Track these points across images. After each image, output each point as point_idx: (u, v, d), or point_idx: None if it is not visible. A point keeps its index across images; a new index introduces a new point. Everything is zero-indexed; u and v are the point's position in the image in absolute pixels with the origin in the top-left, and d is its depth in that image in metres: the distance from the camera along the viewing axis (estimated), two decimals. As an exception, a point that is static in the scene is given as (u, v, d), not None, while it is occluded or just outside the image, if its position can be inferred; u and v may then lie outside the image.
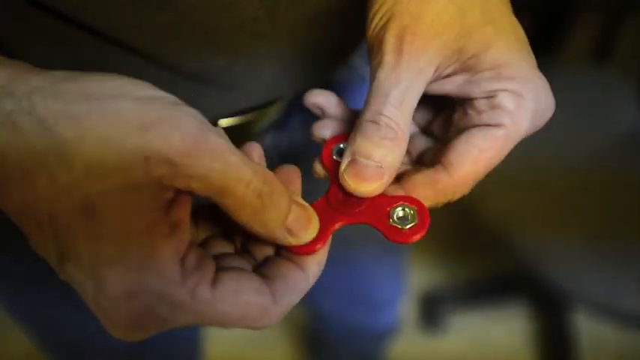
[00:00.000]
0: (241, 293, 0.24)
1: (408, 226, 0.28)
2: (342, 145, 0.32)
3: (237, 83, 0.34)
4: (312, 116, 0.49)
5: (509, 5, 0.29)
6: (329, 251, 0.35)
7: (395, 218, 0.28)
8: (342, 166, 0.28)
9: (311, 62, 0.37)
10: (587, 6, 1.36)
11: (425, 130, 0.35)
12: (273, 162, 0.50)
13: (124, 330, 0.23)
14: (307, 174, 0.54)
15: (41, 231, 0.22)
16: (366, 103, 0.28)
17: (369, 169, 0.27)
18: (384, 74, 0.27)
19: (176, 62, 0.31)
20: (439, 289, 1.25)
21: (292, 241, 0.26)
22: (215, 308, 0.24)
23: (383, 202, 0.29)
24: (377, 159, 0.27)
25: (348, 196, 0.29)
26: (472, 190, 0.30)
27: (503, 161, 0.29)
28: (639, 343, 1.14)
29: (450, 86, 0.29)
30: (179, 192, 0.24)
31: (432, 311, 1.21)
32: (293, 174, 0.30)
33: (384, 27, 0.28)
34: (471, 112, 0.29)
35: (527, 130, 0.28)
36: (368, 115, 0.27)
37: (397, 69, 0.27)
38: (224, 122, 0.38)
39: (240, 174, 0.24)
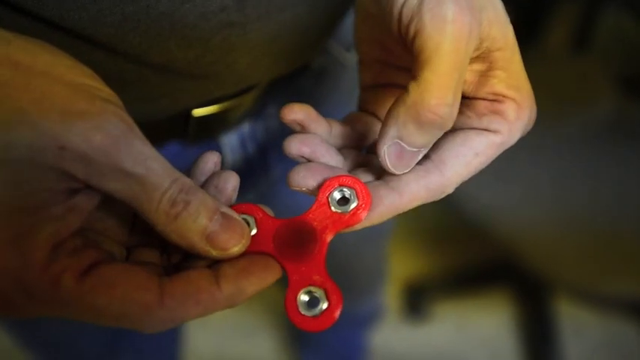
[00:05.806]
0: (117, 286, 0.22)
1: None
2: (344, 190, 0.27)
3: (208, 73, 0.33)
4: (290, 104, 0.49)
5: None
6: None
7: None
8: (384, 147, 0.26)
9: (286, 49, 0.36)
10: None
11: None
12: (250, 151, 0.50)
13: None
14: (284, 161, 0.53)
15: None
16: (424, 81, 0.24)
17: (412, 154, 0.26)
18: (445, 51, 0.23)
19: (141, 55, 0.30)
20: (422, 278, 1.25)
21: (215, 253, 0.24)
22: (83, 300, 0.22)
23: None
24: (423, 146, 0.26)
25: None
26: None
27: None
28: (620, 328, 1.16)
29: (469, 75, 0.27)
30: (90, 187, 0.23)
31: (416, 300, 1.22)
32: (228, 179, 0.27)
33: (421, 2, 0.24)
34: (469, 113, 0.28)
35: (515, 141, 0.28)
36: (431, 99, 0.24)
37: (457, 55, 0.24)
38: (198, 112, 0.38)
39: (158, 180, 0.23)
